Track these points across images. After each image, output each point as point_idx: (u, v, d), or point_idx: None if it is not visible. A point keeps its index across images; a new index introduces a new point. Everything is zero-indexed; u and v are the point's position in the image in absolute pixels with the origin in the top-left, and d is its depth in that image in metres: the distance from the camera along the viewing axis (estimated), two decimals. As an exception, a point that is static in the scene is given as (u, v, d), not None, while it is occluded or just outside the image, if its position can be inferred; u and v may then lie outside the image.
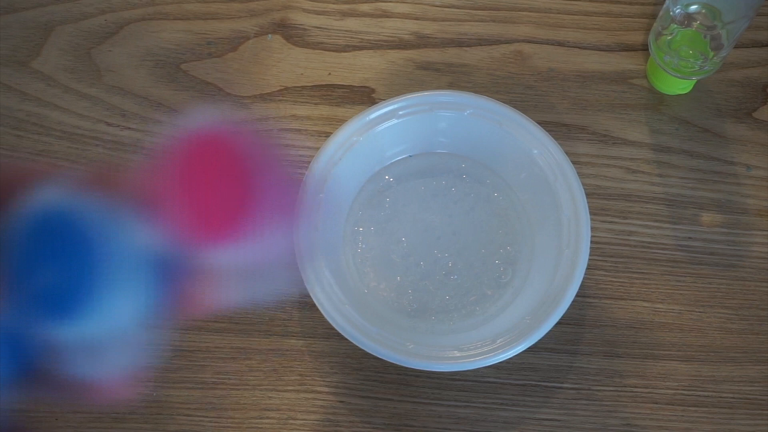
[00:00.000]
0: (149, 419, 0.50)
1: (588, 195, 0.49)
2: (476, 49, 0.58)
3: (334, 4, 0.59)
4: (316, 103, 0.57)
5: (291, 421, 0.50)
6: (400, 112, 0.50)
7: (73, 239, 0.23)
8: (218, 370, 0.51)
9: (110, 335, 0.24)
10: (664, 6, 0.52)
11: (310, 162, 0.49)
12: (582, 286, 0.47)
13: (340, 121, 0.51)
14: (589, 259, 0.47)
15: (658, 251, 0.54)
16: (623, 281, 0.53)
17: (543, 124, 0.51)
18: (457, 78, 0.57)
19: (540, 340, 0.46)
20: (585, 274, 0.47)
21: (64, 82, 0.57)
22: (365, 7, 0.59)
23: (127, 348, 0.25)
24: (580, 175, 0.49)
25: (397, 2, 0.59)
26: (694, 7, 0.51)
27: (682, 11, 0.51)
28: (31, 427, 0.48)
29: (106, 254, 0.24)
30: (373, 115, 0.50)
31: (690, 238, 0.54)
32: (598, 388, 0.51)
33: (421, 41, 0.58)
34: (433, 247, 0.52)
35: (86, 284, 0.23)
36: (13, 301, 0.23)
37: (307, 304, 0.51)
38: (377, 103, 0.52)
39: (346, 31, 0.59)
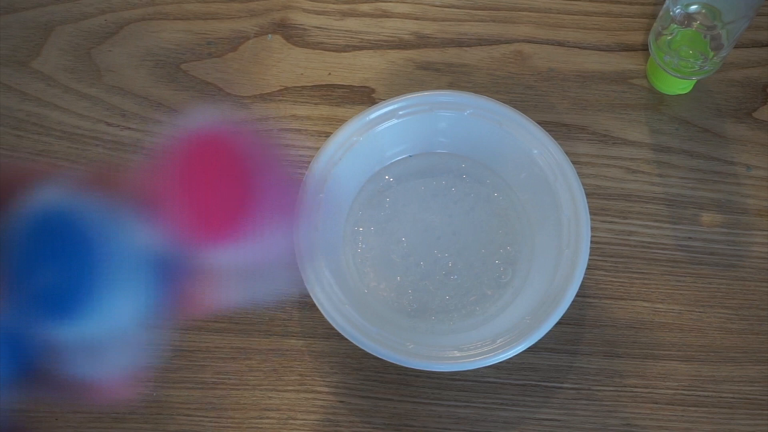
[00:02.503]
0: (149, 419, 0.50)
1: (588, 195, 0.49)
2: (476, 49, 0.58)
3: (334, 4, 0.59)
4: (316, 103, 0.57)
5: (291, 421, 0.50)
6: (400, 112, 0.50)
7: (73, 239, 0.23)
8: (218, 370, 0.51)
9: (110, 335, 0.24)
10: (664, 6, 0.52)
11: (310, 162, 0.49)
12: (582, 286, 0.47)
13: (340, 121, 0.51)
14: (589, 259, 0.47)
15: (658, 251, 0.54)
16: (623, 281, 0.53)
17: (543, 124, 0.51)
18: (457, 78, 0.57)
19: (540, 340, 0.46)
20: (585, 274, 0.47)
21: (64, 82, 0.57)
22: (365, 7, 0.59)
23: (127, 348, 0.25)
24: (580, 175, 0.49)
25: (397, 2, 0.59)
26: (694, 7, 0.51)
27: (682, 11, 0.51)
28: (31, 427, 0.48)
29: (106, 254, 0.24)
30: (373, 115, 0.50)
31: (690, 238, 0.54)
32: (598, 388, 0.51)
33: (421, 41, 0.58)
34: (433, 247, 0.52)
35: (86, 284, 0.23)
36: (13, 301, 0.23)
37: (307, 304, 0.51)
38: (377, 103, 0.52)
39: (346, 31, 0.59)
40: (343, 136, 0.50)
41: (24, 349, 0.24)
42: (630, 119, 0.56)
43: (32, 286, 0.23)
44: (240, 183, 0.24)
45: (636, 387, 0.51)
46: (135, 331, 0.25)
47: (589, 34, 0.59)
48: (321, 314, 0.46)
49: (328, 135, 0.50)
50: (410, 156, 0.53)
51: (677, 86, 0.56)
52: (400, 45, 0.58)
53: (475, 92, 0.51)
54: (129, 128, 0.56)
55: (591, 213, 0.48)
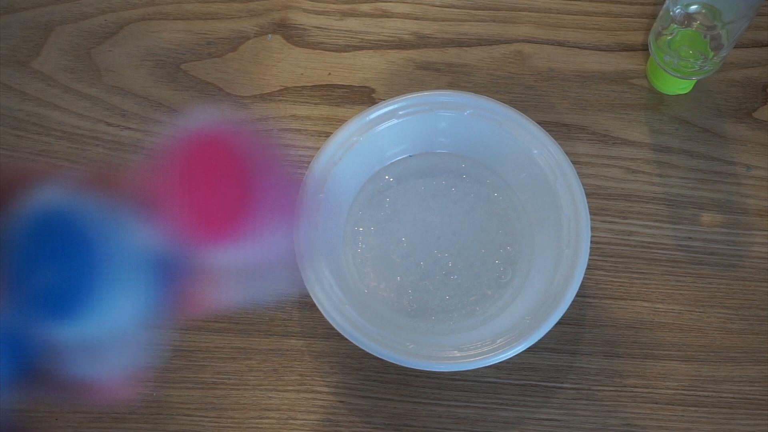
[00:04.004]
0: (149, 419, 0.50)
1: (588, 195, 0.49)
2: (476, 49, 0.58)
3: (334, 4, 0.59)
4: (316, 103, 0.57)
5: (291, 421, 0.50)
6: (400, 112, 0.50)
7: (73, 239, 0.23)
8: (218, 370, 0.51)
9: (110, 335, 0.24)
10: (664, 6, 0.52)
11: (310, 162, 0.49)
12: (582, 286, 0.47)
13: (340, 121, 0.51)
14: (589, 259, 0.47)
15: (658, 251, 0.54)
16: (623, 281, 0.53)
17: (543, 124, 0.51)
18: (457, 78, 0.57)
19: (540, 340, 0.46)
20: (585, 274, 0.47)
21: (64, 82, 0.57)
22: (365, 7, 0.59)
23: (127, 348, 0.25)
24: (580, 175, 0.49)
25: (397, 2, 0.59)
26: (694, 7, 0.51)
27: (682, 11, 0.51)
28: (31, 427, 0.48)
29: (106, 254, 0.24)
30: (373, 115, 0.50)
31: (690, 238, 0.54)
32: (598, 388, 0.51)
33: (421, 41, 0.58)
34: (433, 247, 0.52)
35: (86, 284, 0.23)
36: (13, 301, 0.23)
37: (307, 304, 0.51)
38: (377, 103, 0.52)
39: (346, 31, 0.59)
40: (343, 136, 0.50)
41: (24, 349, 0.24)
42: (630, 119, 0.56)
43: (32, 286, 0.23)
44: (240, 183, 0.24)
45: (636, 387, 0.51)
46: (135, 331, 0.25)
47: (589, 34, 0.59)
48: (321, 314, 0.46)
49: (328, 135, 0.50)
50: (410, 156, 0.53)
51: (677, 86, 0.56)
52: (400, 45, 0.58)
53: (475, 92, 0.51)
54: (129, 128, 0.56)
55: (591, 213, 0.48)
